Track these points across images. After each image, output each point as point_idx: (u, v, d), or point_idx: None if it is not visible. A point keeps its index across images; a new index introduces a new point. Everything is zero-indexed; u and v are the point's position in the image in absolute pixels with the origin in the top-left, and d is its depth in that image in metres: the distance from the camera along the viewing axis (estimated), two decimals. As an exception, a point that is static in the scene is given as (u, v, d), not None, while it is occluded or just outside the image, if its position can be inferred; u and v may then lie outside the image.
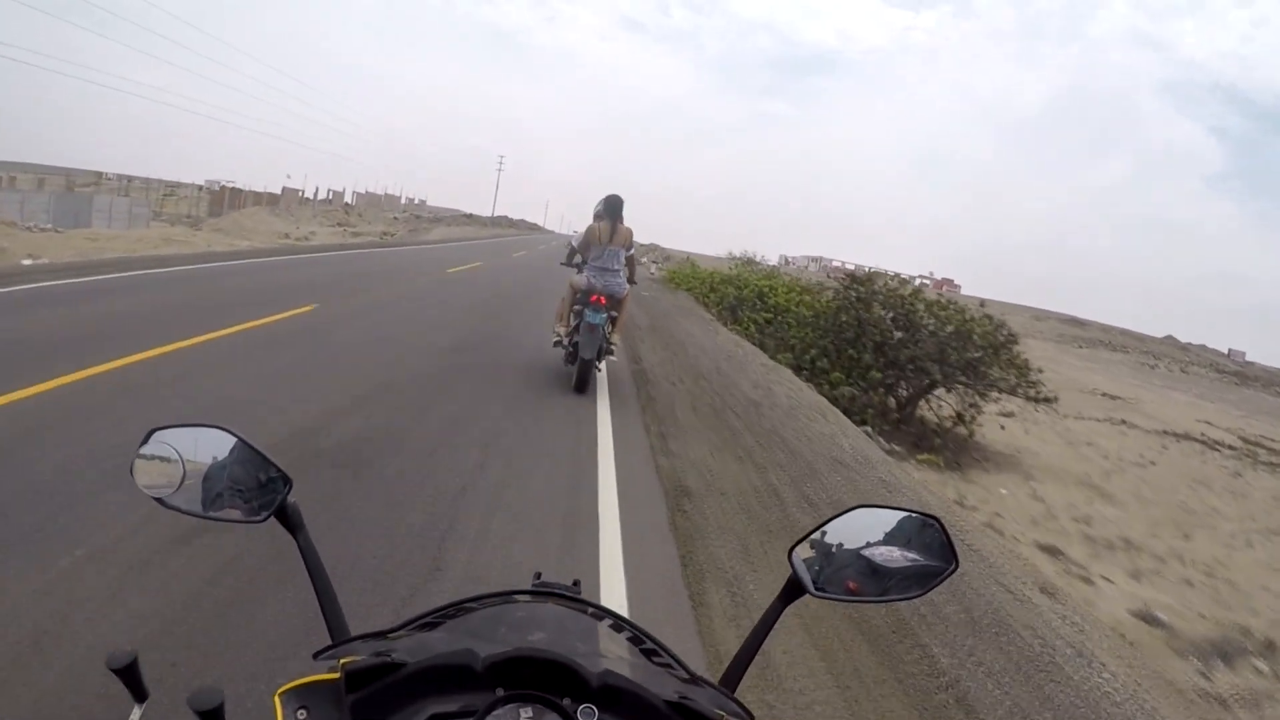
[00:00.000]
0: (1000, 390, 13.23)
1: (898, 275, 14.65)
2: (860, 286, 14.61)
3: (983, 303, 14.35)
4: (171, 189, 56.57)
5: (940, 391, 13.44)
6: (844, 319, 13.80)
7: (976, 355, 13.07)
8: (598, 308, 6.64)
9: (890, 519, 1.01)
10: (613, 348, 7.17)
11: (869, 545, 0.99)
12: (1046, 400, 13.66)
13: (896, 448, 11.70)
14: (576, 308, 6.95)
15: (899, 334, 13.34)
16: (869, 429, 11.78)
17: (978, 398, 13.13)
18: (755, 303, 18.93)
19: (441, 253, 25.05)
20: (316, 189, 61.42)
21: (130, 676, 0.71)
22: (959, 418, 13.16)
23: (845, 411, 10.88)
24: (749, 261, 26.63)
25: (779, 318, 18.03)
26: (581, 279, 6.99)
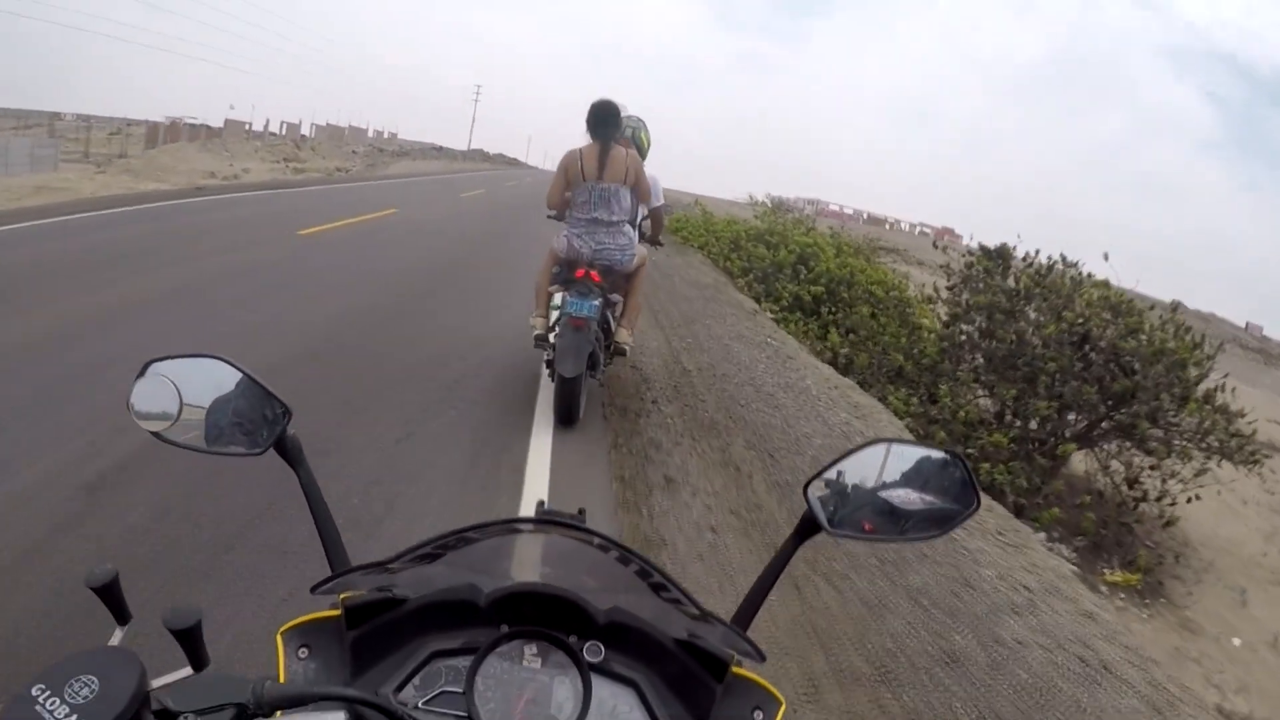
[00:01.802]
0: (1196, 445, 7.72)
1: (1053, 260, 8.84)
2: (996, 269, 8.88)
3: (1175, 306, 8.67)
4: (119, 128, 50.29)
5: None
6: (993, 334, 8.14)
7: (1167, 391, 7.61)
8: (585, 289, 4.17)
9: (910, 455, 0.96)
10: (625, 347, 4.60)
11: (886, 486, 0.94)
12: (1254, 459, 8.09)
13: (1062, 548, 6.69)
14: (554, 288, 4.46)
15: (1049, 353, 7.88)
16: (1046, 535, 6.64)
17: (1170, 457, 7.66)
18: (799, 270, 13.26)
19: (358, 195, 19.03)
20: (267, 121, 55.36)
21: (111, 597, 0.67)
22: (1132, 486, 7.75)
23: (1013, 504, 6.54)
24: (778, 208, 20.58)
25: (834, 294, 12.49)
26: (560, 241, 4.43)
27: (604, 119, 4.27)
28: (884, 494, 0.94)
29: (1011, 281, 8.76)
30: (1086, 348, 7.94)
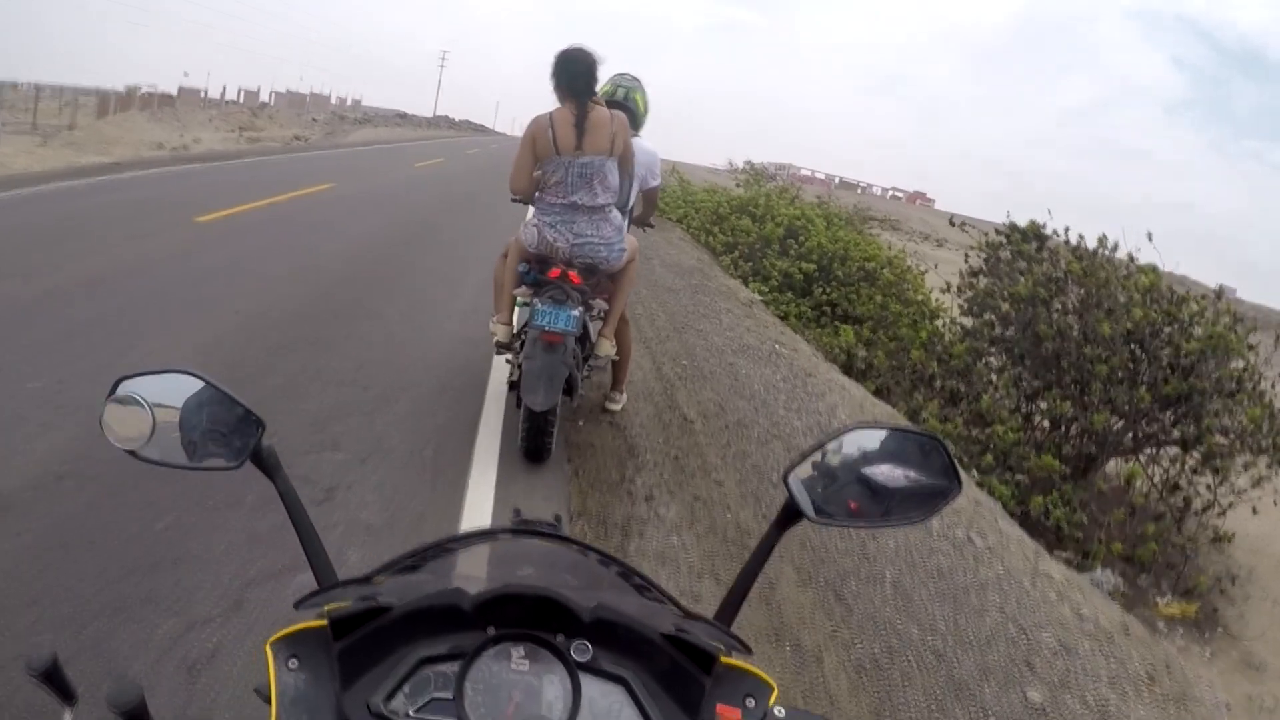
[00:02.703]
0: (1253, 450, 6.64)
1: (1082, 242, 7.56)
2: (1031, 252, 7.64)
3: (1220, 291, 7.53)
4: (72, 97, 47.63)
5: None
6: (1041, 331, 6.87)
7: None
8: (561, 294, 3.20)
9: (890, 439, 0.96)
10: (615, 398, 4.06)
11: (870, 464, 0.94)
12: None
13: (1112, 577, 5.80)
14: (520, 291, 3.49)
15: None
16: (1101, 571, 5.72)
17: (1218, 462, 6.51)
18: (790, 245, 12.02)
19: (299, 167, 17.11)
20: (224, 88, 52.84)
21: (53, 679, 0.65)
22: (1173, 492, 6.63)
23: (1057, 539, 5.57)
24: (759, 177, 19.08)
25: (828, 271, 11.22)
26: (529, 231, 3.45)
27: (578, 72, 3.29)
28: (867, 471, 0.92)
29: (1049, 267, 7.44)
30: (1133, 344, 6.74)
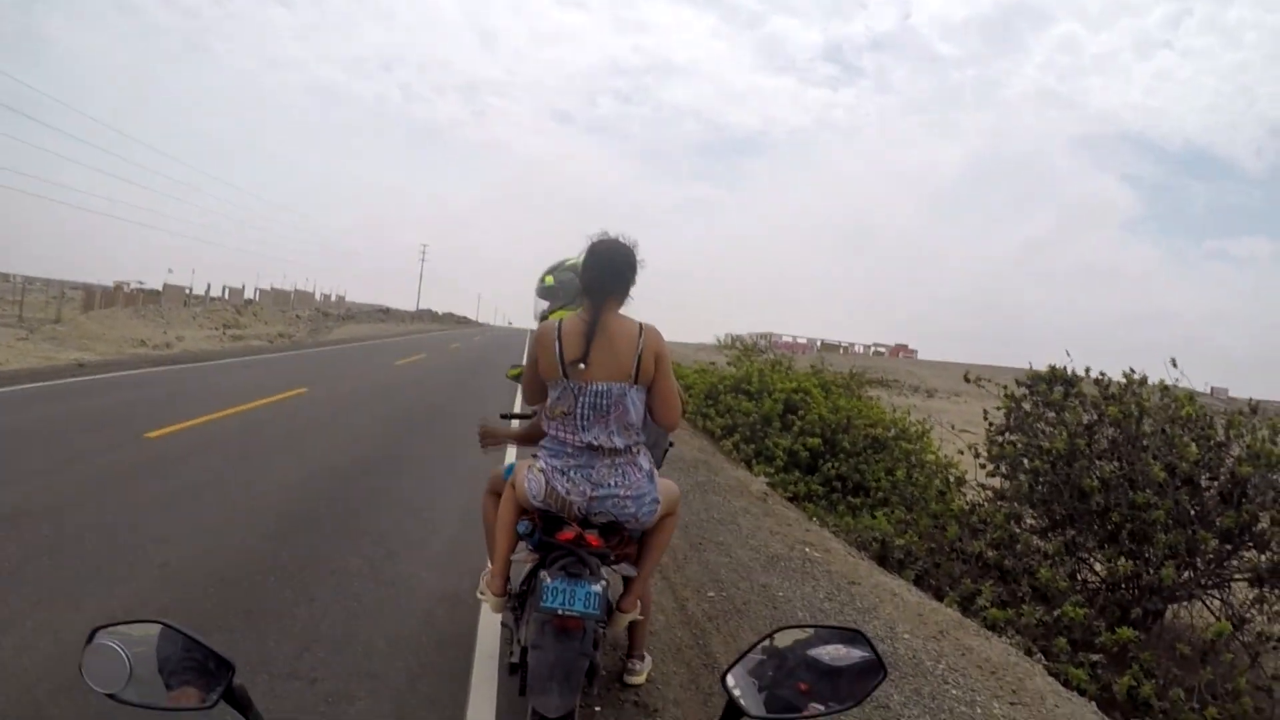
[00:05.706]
0: None
1: (1118, 382, 7.09)
2: (1056, 399, 7.12)
3: (1254, 405, 6.86)
4: (60, 291, 49.14)
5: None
6: (1085, 483, 6.26)
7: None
8: (577, 566, 2.39)
9: (816, 635, 1.02)
10: (636, 667, 3.12)
11: (813, 648, 1.01)
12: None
13: None
14: (520, 554, 2.69)
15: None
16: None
17: None
18: (790, 420, 11.43)
19: (275, 368, 16.63)
20: (209, 285, 54.11)
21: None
22: (1242, 625, 5.77)
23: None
24: (749, 351, 18.88)
25: (834, 444, 10.59)
26: (532, 479, 2.57)
27: (605, 269, 2.59)
28: (814, 653, 0.99)
29: (1080, 413, 6.86)
30: (1180, 482, 6.16)
